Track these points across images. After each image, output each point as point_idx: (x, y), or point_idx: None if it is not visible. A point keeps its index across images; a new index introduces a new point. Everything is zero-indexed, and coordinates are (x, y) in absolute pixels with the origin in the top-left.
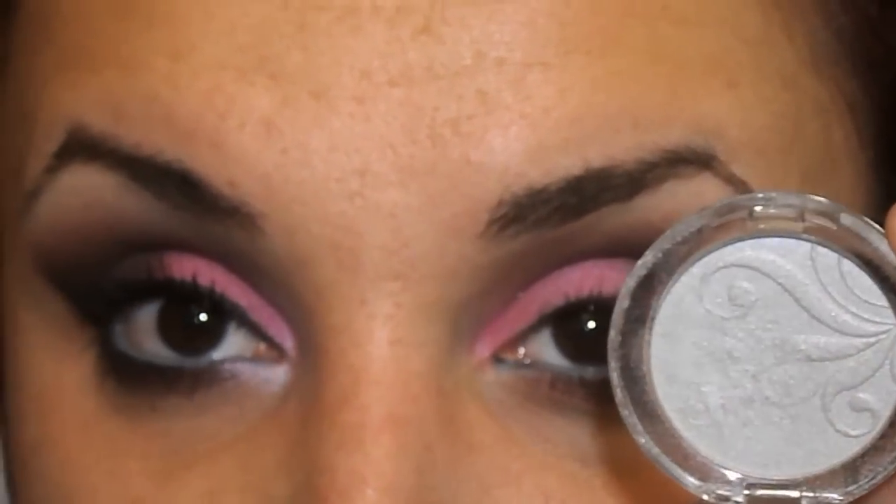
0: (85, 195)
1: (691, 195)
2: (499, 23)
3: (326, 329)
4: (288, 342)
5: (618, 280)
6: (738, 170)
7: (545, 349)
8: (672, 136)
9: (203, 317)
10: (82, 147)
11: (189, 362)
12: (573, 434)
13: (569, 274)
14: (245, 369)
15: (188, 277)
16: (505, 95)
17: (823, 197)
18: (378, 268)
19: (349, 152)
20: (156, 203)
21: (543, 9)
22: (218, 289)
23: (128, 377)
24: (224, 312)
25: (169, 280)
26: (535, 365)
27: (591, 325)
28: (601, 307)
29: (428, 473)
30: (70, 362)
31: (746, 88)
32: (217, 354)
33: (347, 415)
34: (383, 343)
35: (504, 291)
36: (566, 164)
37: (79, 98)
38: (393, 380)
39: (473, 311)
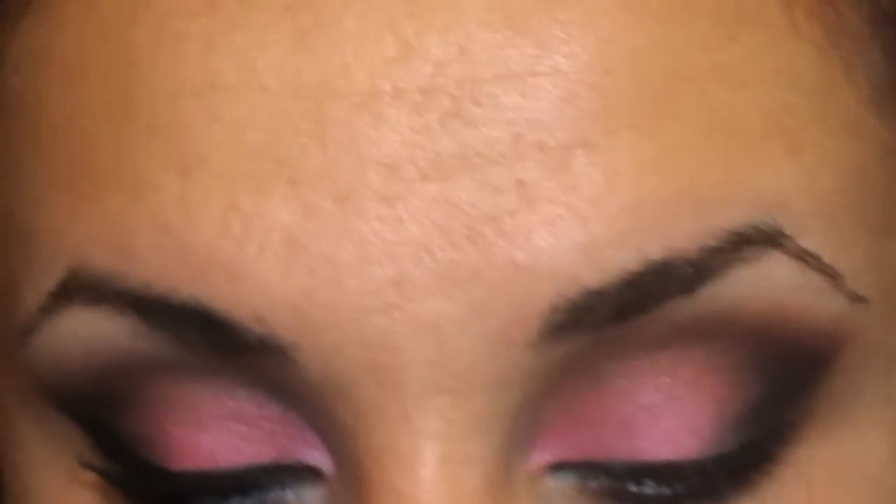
0: (89, 342)
1: (759, 277)
2: (536, 99)
3: (368, 450)
4: (326, 463)
5: (687, 369)
6: (808, 242)
7: None
8: (735, 216)
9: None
10: (84, 288)
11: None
12: None
13: (637, 370)
14: (279, 494)
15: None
16: (548, 185)
17: None
18: (423, 384)
19: (382, 262)
20: (174, 345)
21: (584, 80)
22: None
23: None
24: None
25: None
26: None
27: None
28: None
29: None
30: (79, 485)
31: (809, 148)
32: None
33: None
34: (432, 463)
35: (561, 393)
36: (622, 260)
37: (81, 230)
38: (445, 502)
39: (528, 417)
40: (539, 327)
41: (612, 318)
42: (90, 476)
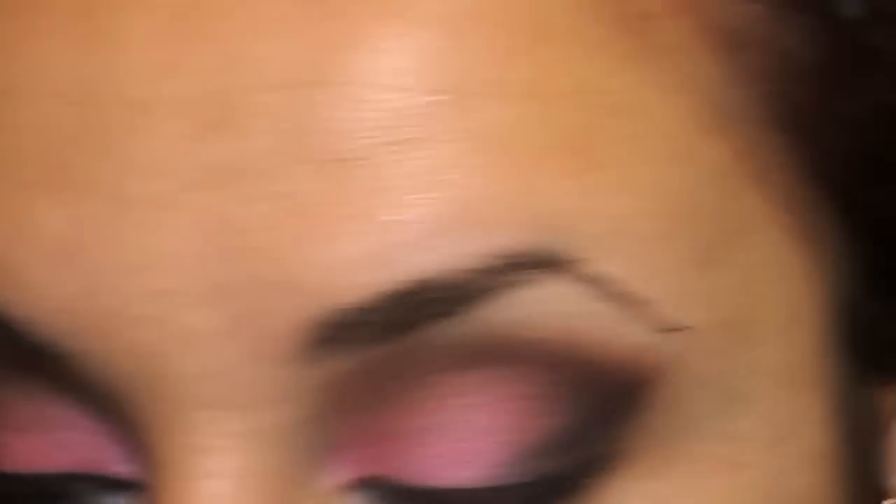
0: None
1: (540, 302)
2: (309, 110)
3: (151, 461)
4: (130, 473)
5: (479, 394)
6: (604, 267)
7: None
8: (510, 237)
9: None
10: None
11: None
12: None
13: (425, 391)
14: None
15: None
16: (319, 199)
17: None
18: (194, 397)
19: (147, 271)
20: None
21: (362, 91)
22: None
23: None
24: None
25: None
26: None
27: None
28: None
29: None
30: None
31: (610, 169)
32: None
33: None
34: (211, 476)
35: (347, 411)
36: (390, 276)
37: None
38: None
39: (314, 435)
40: (300, 343)
41: (379, 336)
42: None
